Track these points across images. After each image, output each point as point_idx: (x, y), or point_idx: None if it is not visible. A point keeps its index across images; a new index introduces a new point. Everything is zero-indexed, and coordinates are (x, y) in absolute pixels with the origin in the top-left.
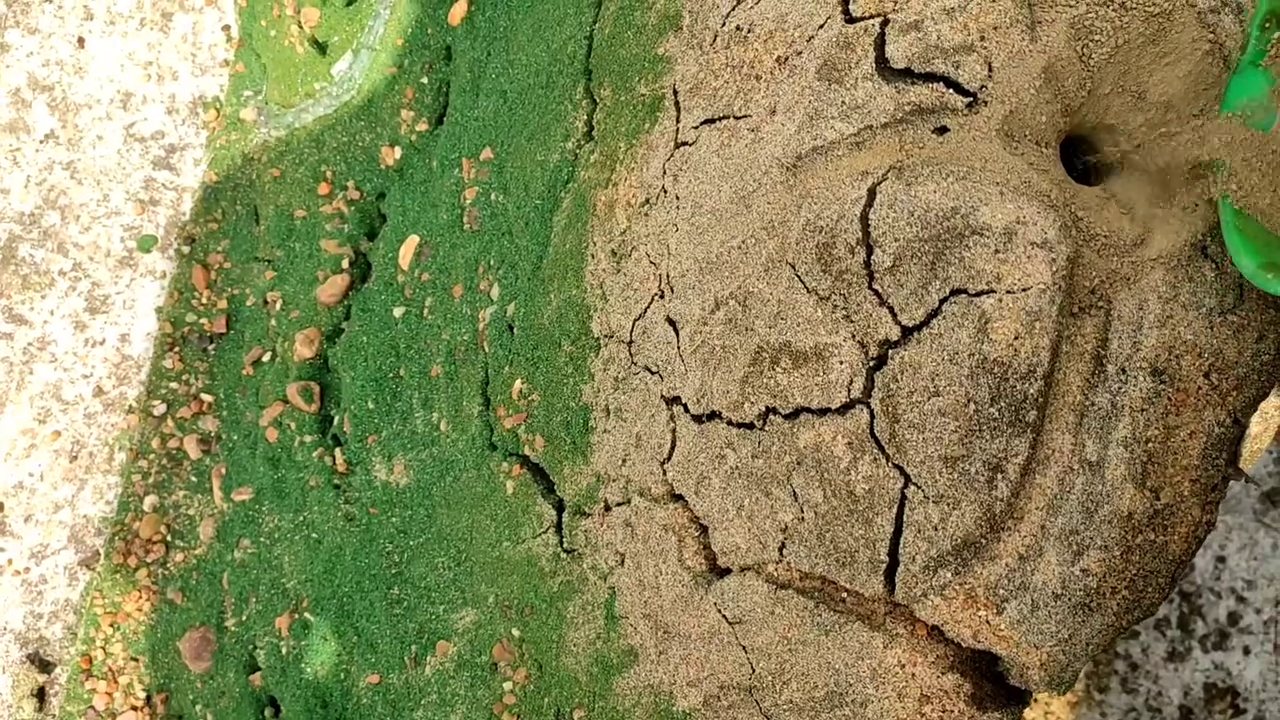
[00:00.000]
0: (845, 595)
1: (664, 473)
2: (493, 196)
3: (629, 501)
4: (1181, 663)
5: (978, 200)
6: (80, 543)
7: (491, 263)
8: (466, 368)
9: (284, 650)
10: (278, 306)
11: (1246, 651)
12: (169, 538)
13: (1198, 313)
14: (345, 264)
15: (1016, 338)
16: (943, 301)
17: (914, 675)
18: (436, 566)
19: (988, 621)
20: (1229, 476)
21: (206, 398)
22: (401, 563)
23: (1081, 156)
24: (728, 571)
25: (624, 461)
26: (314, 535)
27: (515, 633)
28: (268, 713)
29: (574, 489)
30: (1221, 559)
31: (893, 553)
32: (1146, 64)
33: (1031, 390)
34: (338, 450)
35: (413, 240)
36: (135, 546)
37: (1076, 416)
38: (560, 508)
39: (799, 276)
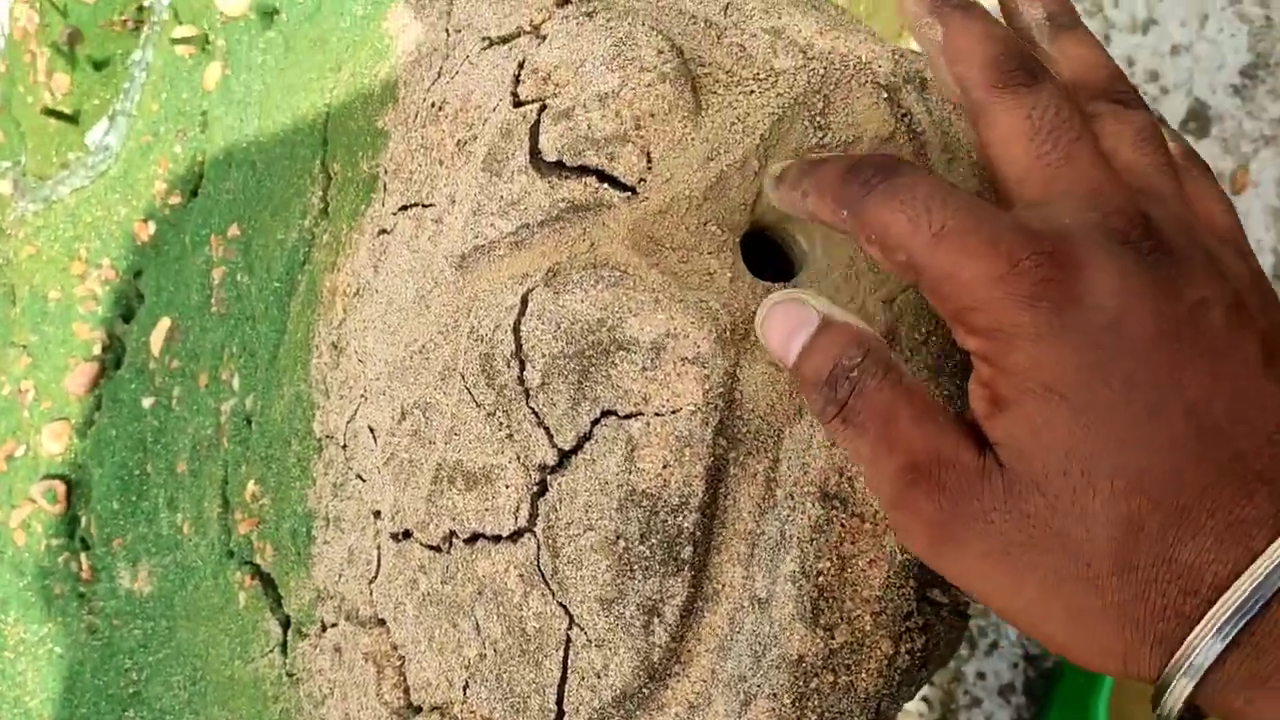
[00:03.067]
0: None
1: (370, 594)
2: (239, 277)
3: (338, 624)
4: None
5: (627, 310)
6: None
7: (235, 350)
8: (209, 464)
9: None
10: (30, 396)
11: None
12: None
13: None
14: (97, 349)
15: (665, 466)
16: (594, 424)
17: None
18: (173, 686)
19: None
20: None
21: None
22: (139, 680)
23: (781, 252)
24: (420, 710)
25: (340, 577)
26: (56, 649)
27: None
28: None
29: (298, 604)
30: None
31: (559, 701)
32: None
33: (686, 524)
34: (84, 555)
35: (165, 323)
36: None
37: (748, 548)
38: (286, 624)
39: (468, 389)
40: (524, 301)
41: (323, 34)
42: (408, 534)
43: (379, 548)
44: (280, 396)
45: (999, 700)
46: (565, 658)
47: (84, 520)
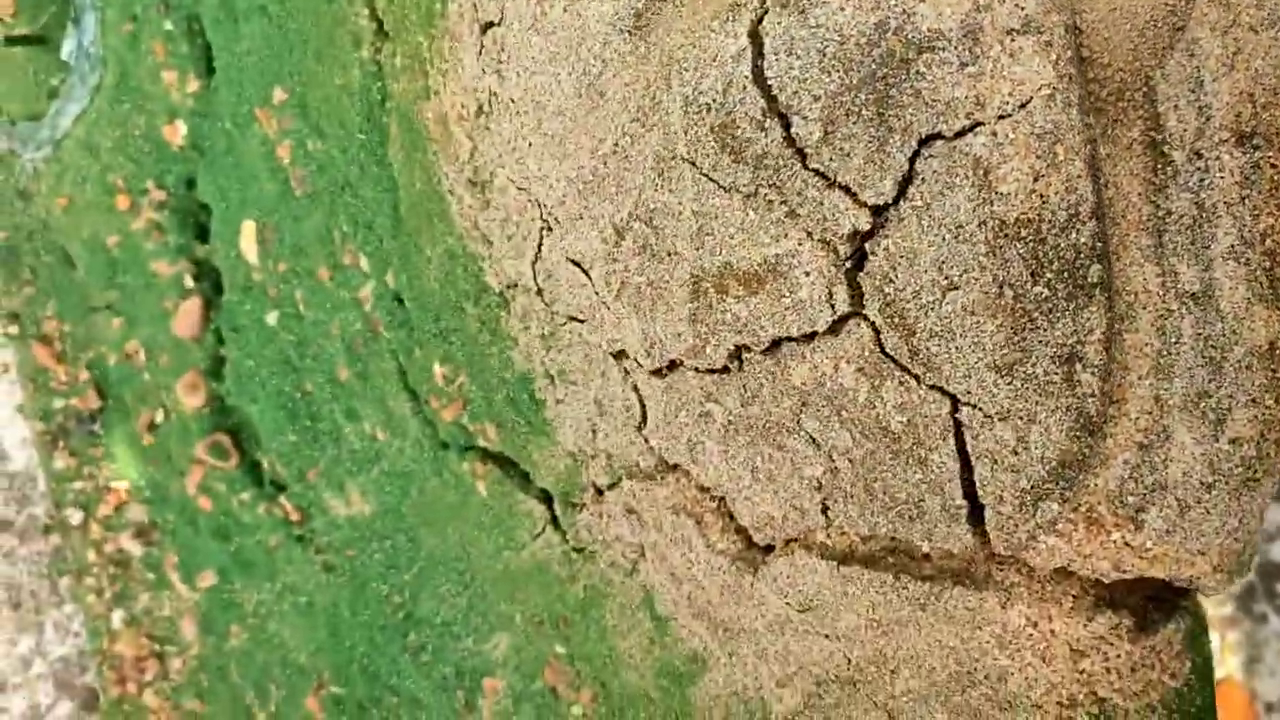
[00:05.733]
0: (928, 557)
1: (646, 441)
2: (310, 145)
3: (619, 484)
4: None
5: None
6: (70, 688)
7: (345, 228)
8: (375, 361)
9: None
10: (142, 357)
11: None
12: (156, 648)
13: (1272, 29)
14: (189, 281)
15: (1037, 178)
16: (914, 159)
17: (1053, 632)
18: (443, 596)
19: (1128, 544)
20: None
21: (119, 485)
22: (405, 601)
23: None
24: (770, 549)
25: (594, 434)
26: (302, 599)
27: (560, 650)
28: None
29: (553, 476)
30: None
31: (970, 494)
32: None
33: (1083, 239)
34: (283, 498)
35: (249, 227)
36: (127, 670)
37: (1153, 238)
38: (548, 500)
39: (706, 175)
40: (755, 39)
41: None
42: (674, 365)
43: (637, 389)
44: (427, 261)
45: None
46: (960, 445)
47: (265, 464)
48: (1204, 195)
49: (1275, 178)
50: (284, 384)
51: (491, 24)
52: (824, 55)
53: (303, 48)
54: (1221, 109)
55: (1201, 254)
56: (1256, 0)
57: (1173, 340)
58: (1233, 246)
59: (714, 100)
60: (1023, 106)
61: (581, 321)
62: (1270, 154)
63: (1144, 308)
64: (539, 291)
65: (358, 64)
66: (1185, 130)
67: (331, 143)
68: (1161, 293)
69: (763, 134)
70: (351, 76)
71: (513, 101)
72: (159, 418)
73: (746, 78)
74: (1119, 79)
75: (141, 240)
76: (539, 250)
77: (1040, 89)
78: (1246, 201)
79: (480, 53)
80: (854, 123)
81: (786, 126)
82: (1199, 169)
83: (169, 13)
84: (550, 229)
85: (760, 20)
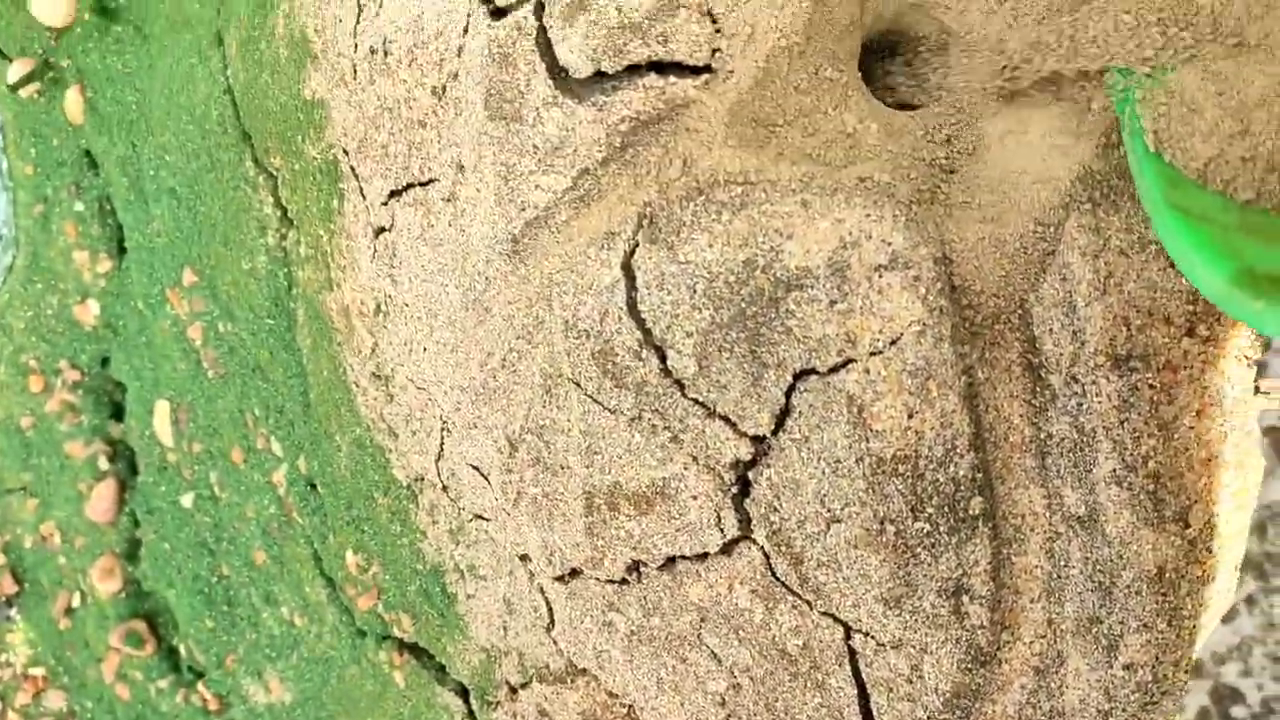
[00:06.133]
0: None
1: (555, 644)
2: (220, 328)
3: (529, 684)
4: None
5: (776, 233)
6: None
7: (257, 412)
8: (290, 545)
9: None
10: (58, 540)
11: None
12: None
13: (1142, 253)
14: (104, 463)
15: (911, 415)
16: (790, 393)
17: None
18: None
19: None
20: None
21: (37, 671)
22: None
23: (890, 71)
24: None
25: (505, 631)
26: None
27: None
28: None
29: (468, 670)
30: None
31: (868, 719)
32: None
33: (962, 472)
34: (201, 685)
35: (162, 407)
36: None
37: (1036, 459)
38: (465, 694)
39: (590, 396)
40: (628, 272)
41: (177, 4)
42: (576, 572)
43: (542, 591)
44: (337, 449)
45: None
46: (856, 671)
47: (182, 649)
48: (1083, 419)
49: (1155, 399)
50: (200, 567)
51: (383, 229)
52: (694, 292)
53: (211, 231)
54: (1096, 333)
55: (1084, 477)
56: (1125, 225)
57: (1062, 563)
58: (1114, 470)
59: (592, 327)
60: (894, 343)
61: (487, 520)
62: (1148, 376)
63: (1032, 530)
64: (444, 488)
65: (264, 250)
66: (1061, 354)
67: (242, 325)
68: (1048, 515)
69: (640, 363)
70: (258, 262)
71: (406, 305)
72: (75, 601)
73: (621, 309)
74: (993, 304)
75: (55, 421)
76: (441, 448)
77: (910, 325)
78: (1126, 425)
79: (374, 256)
80: (728, 358)
81: (663, 358)
82: (1076, 393)
83: (80, 194)
84: (449, 431)
85: (632, 253)
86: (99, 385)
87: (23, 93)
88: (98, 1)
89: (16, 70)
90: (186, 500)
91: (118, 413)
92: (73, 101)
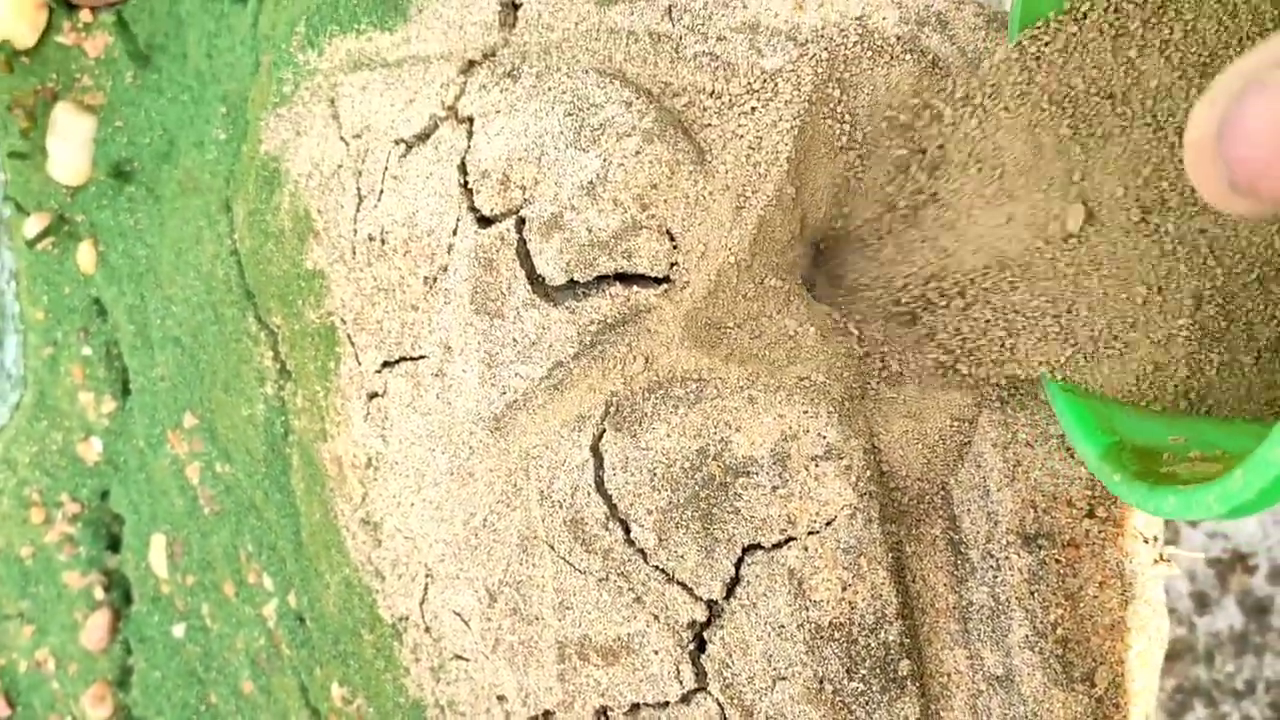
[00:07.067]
0: None
1: None
2: (217, 468)
3: None
4: None
5: (726, 426)
6: None
7: (250, 548)
8: (277, 676)
9: None
10: (51, 666)
11: None
12: None
13: (1046, 444)
14: (99, 593)
15: (845, 588)
16: (739, 565)
17: None
18: None
19: None
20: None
21: None
22: None
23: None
24: None
25: None
26: None
27: None
28: None
29: None
30: None
31: None
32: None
33: (891, 638)
34: None
35: (159, 540)
36: None
37: (959, 624)
38: None
39: (563, 558)
40: (596, 454)
41: (189, 172)
42: (549, 714)
43: None
44: (326, 586)
45: None
46: None
47: None
48: (998, 590)
49: (1061, 573)
50: (189, 695)
51: (376, 393)
52: (654, 475)
53: (212, 378)
54: (1007, 514)
55: (1001, 641)
56: (1030, 420)
57: (984, 718)
58: (1027, 636)
59: (564, 499)
60: (829, 524)
61: (467, 660)
62: (1054, 552)
63: (957, 688)
64: (427, 629)
65: (262, 399)
66: (978, 532)
67: (238, 467)
68: (971, 675)
69: (607, 533)
70: (257, 409)
71: (396, 464)
72: None
73: (590, 486)
74: (918, 488)
75: (54, 552)
76: (425, 593)
77: (843, 508)
78: (1036, 595)
79: (367, 416)
80: (684, 533)
81: (627, 530)
82: (992, 566)
83: (88, 339)
84: (433, 579)
85: (600, 437)
86: (98, 518)
87: (39, 246)
88: (113, 165)
89: (34, 225)
90: (178, 630)
91: (115, 545)
92: (85, 254)
